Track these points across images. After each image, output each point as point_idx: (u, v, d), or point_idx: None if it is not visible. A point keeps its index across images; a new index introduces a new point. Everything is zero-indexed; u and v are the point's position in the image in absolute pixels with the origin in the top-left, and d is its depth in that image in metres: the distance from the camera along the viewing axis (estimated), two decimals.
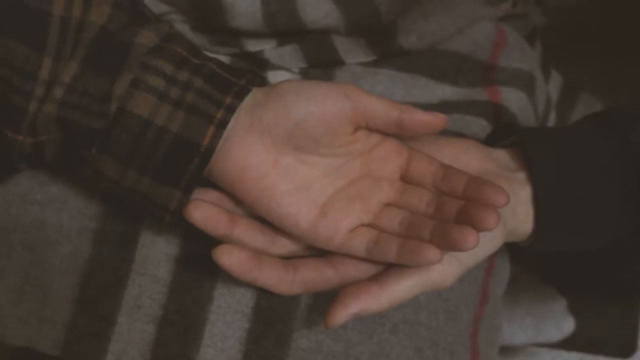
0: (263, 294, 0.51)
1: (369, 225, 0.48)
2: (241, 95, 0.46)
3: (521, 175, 0.51)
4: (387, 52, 0.58)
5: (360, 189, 0.48)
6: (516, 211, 0.50)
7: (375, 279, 0.47)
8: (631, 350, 0.83)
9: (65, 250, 0.53)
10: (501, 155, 0.52)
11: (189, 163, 0.45)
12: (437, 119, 0.47)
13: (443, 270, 0.47)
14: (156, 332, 0.51)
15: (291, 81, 0.47)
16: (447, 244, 0.44)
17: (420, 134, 0.48)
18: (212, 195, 0.48)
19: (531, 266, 0.82)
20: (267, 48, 0.56)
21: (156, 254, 0.52)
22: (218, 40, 0.56)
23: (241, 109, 0.46)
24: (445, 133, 0.57)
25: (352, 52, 0.57)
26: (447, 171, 0.48)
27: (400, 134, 0.48)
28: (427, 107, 0.57)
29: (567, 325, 0.84)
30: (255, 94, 0.47)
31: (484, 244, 0.47)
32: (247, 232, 0.47)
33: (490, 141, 0.56)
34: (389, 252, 0.46)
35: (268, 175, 0.46)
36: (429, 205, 0.48)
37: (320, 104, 0.46)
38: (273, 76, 0.56)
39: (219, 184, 0.47)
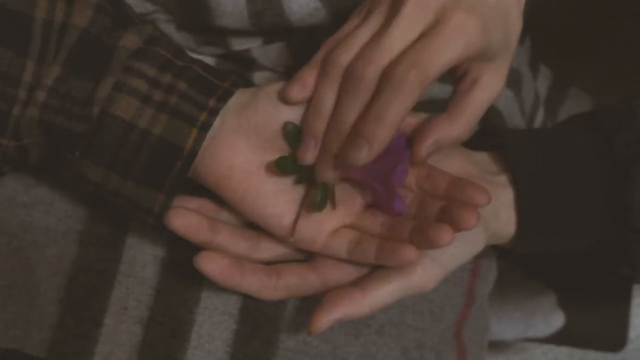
0: (250, 295, 0.51)
1: (352, 227, 0.48)
2: (224, 98, 0.46)
3: (503, 178, 0.51)
4: None
5: (344, 190, 0.48)
6: (498, 214, 0.50)
7: (357, 283, 0.47)
8: (621, 345, 0.83)
9: (51, 252, 0.53)
10: (483, 158, 0.52)
11: (172, 166, 0.45)
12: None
13: (424, 274, 0.47)
14: (143, 334, 0.51)
15: (280, 83, 0.46)
16: (424, 242, 0.44)
17: None
18: (194, 202, 0.48)
19: (519, 263, 0.82)
20: (253, 47, 0.56)
21: (143, 256, 0.52)
22: (204, 40, 0.56)
23: (227, 109, 0.46)
24: None
25: None
26: (430, 172, 0.48)
27: None
28: (415, 105, 0.56)
29: (556, 320, 0.84)
30: (240, 95, 0.47)
31: (466, 247, 0.48)
32: (229, 238, 0.47)
33: (476, 141, 0.56)
34: (369, 253, 0.46)
35: (253, 176, 0.46)
36: (412, 206, 0.48)
37: None
38: (259, 77, 0.56)
39: (204, 183, 0.47)
